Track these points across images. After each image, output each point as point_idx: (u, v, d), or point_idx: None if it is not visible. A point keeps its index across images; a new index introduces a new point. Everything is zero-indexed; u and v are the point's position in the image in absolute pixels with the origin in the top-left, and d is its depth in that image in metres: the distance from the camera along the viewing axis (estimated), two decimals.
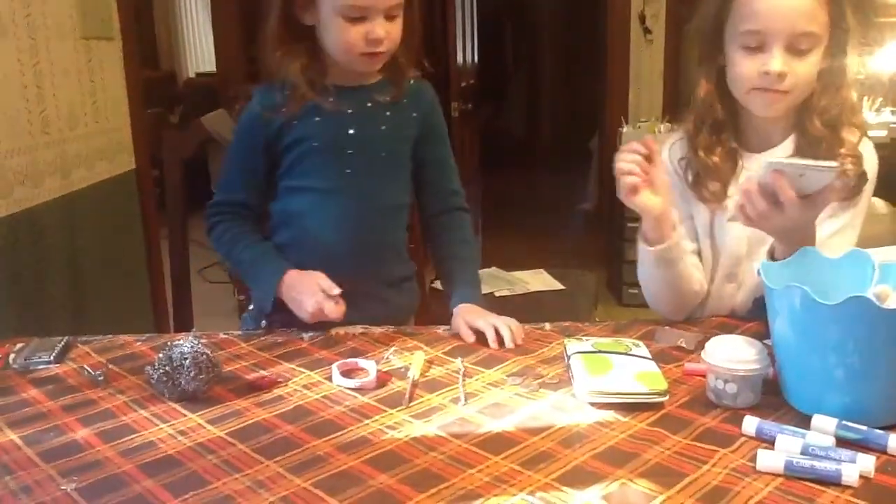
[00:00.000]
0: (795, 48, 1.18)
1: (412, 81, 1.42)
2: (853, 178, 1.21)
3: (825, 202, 1.10)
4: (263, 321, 1.41)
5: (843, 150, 1.21)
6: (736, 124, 1.30)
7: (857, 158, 1.22)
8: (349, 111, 1.36)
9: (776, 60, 1.17)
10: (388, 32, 1.28)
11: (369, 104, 1.38)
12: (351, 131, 1.36)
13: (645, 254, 1.27)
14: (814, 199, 1.07)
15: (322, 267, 1.36)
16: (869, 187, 1.26)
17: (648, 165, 1.19)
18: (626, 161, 1.19)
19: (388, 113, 1.39)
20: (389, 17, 1.28)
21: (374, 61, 1.32)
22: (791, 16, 1.16)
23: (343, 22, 1.27)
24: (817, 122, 1.23)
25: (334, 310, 1.25)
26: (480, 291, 1.44)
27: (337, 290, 1.26)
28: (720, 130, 1.29)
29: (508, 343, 1.21)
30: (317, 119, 1.35)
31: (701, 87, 1.29)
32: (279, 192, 1.42)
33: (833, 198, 1.11)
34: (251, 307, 1.49)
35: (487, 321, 1.25)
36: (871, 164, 1.25)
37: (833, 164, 1.05)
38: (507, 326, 1.24)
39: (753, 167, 1.25)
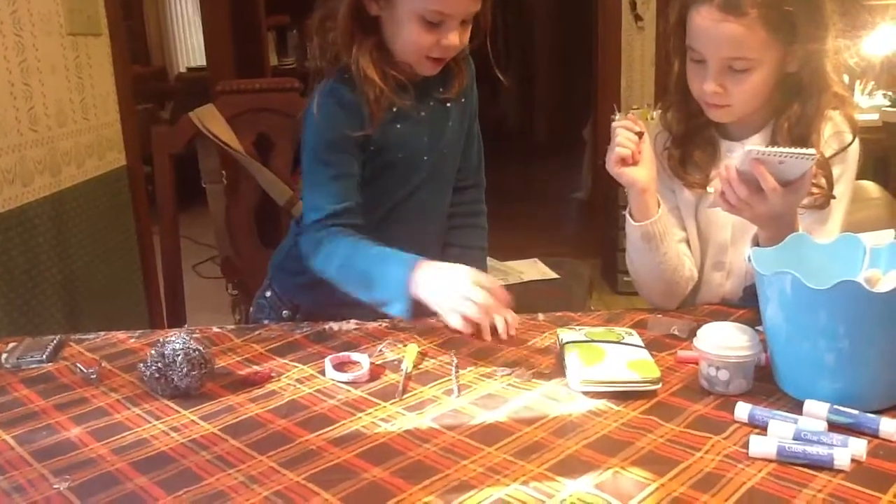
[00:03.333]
0: (730, 67, 1.19)
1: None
2: (815, 198, 1.21)
3: (806, 188, 1.10)
4: (285, 311, 1.39)
5: None
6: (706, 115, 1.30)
7: (825, 178, 1.22)
8: (422, 114, 1.31)
9: (709, 81, 1.20)
10: (461, 40, 1.23)
11: (432, 103, 1.33)
12: (425, 138, 1.31)
13: (632, 231, 1.27)
14: (794, 186, 1.08)
15: None
16: (849, 175, 1.26)
17: (639, 143, 1.21)
18: (623, 136, 1.21)
19: (449, 104, 1.34)
20: (464, 24, 1.23)
21: (437, 66, 1.26)
22: (720, 42, 1.17)
23: (419, 25, 1.20)
24: (786, 127, 1.24)
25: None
26: None
27: (495, 285, 1.10)
28: (697, 120, 1.30)
29: (502, 333, 1.18)
30: (398, 126, 1.28)
31: (675, 81, 1.30)
32: None
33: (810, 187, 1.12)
34: (268, 293, 1.47)
35: None
36: (852, 153, 1.25)
37: (812, 151, 1.05)
38: (503, 317, 1.20)
39: (735, 154, 1.26)
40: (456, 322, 1.08)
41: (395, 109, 1.26)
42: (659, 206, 1.25)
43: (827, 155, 1.23)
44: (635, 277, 1.34)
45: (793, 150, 1.05)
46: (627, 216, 1.27)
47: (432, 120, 1.32)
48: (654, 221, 1.25)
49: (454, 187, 1.43)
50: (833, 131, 1.25)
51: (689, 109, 1.30)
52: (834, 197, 1.23)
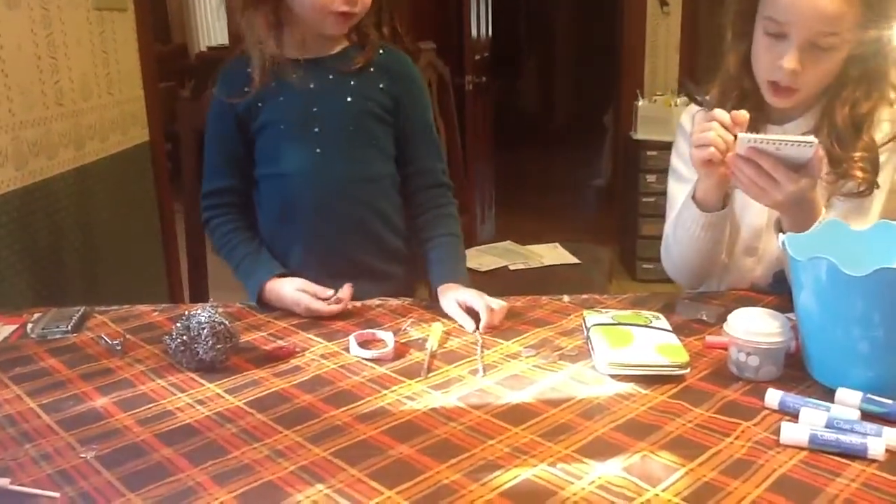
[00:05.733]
0: (816, 44, 1.14)
1: (382, 51, 1.38)
2: (860, 183, 1.18)
3: (817, 171, 1.07)
4: None
5: (857, 155, 1.18)
6: (759, 96, 1.27)
7: (871, 164, 1.19)
8: (311, 86, 1.33)
9: (790, 57, 1.14)
10: None
11: (331, 76, 1.35)
12: (315, 109, 1.34)
13: (694, 218, 1.23)
14: (805, 170, 1.06)
15: (315, 248, 1.36)
16: (893, 166, 1.23)
17: (729, 140, 1.12)
18: (719, 134, 1.10)
19: (352, 82, 1.35)
20: None
21: (345, 22, 1.29)
22: (814, 14, 1.11)
23: None
24: (846, 111, 1.19)
25: (327, 310, 1.23)
26: (465, 267, 1.40)
27: (328, 293, 1.23)
28: (744, 102, 1.26)
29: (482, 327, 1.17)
30: (281, 99, 1.33)
31: (730, 60, 1.26)
32: (258, 180, 1.39)
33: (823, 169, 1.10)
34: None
35: (483, 301, 1.19)
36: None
37: (811, 138, 1.03)
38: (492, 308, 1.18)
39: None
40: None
41: (274, 84, 1.31)
42: (727, 198, 1.21)
43: (880, 142, 1.20)
44: (673, 254, 1.31)
45: (788, 137, 1.04)
46: (691, 201, 1.23)
47: (326, 92, 1.34)
48: (724, 213, 1.21)
49: (419, 187, 1.43)
50: (887, 118, 1.21)
51: (743, 90, 1.26)
52: (878, 186, 1.20)
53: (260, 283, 1.28)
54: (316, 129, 1.34)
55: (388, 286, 1.40)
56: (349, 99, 1.35)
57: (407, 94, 1.41)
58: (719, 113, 1.10)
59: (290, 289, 1.25)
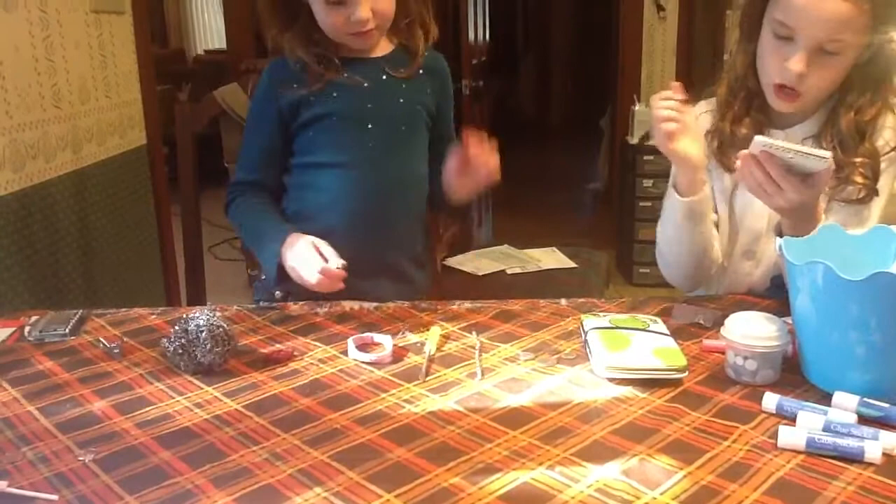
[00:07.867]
0: (823, 49, 1.14)
1: (426, 53, 1.40)
2: (860, 190, 1.19)
3: (822, 185, 1.08)
4: (277, 292, 1.39)
5: (858, 160, 1.19)
6: (765, 97, 1.27)
7: (872, 170, 1.19)
8: (365, 84, 1.35)
9: (797, 59, 1.14)
10: (374, 11, 1.26)
11: (384, 77, 1.37)
12: (370, 105, 1.35)
13: (674, 206, 1.24)
14: (811, 181, 1.06)
15: (346, 240, 1.34)
16: (893, 172, 1.24)
17: (683, 111, 1.16)
18: (664, 107, 1.15)
19: (404, 86, 1.38)
20: None
21: (365, 39, 1.31)
22: (822, 20, 1.11)
23: (324, 5, 1.26)
24: (851, 116, 1.20)
25: (330, 284, 1.21)
26: None
27: (339, 263, 1.21)
28: (751, 104, 1.27)
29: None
30: (335, 94, 1.34)
31: (738, 60, 1.27)
32: (295, 167, 1.41)
33: (830, 182, 1.10)
34: (263, 277, 1.47)
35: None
36: None
37: (827, 154, 1.03)
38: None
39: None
40: (315, 282, 1.21)
41: (327, 79, 1.33)
42: (705, 182, 1.22)
43: (882, 149, 1.20)
44: (665, 253, 1.32)
45: (805, 149, 1.04)
46: (671, 189, 1.24)
47: (379, 91, 1.36)
48: (701, 199, 1.22)
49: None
50: (890, 125, 1.22)
51: (749, 90, 1.26)
52: (878, 193, 1.20)
53: (283, 235, 1.28)
54: (370, 126, 1.35)
55: (408, 289, 1.40)
56: (401, 100, 1.37)
57: (444, 96, 1.45)
58: (661, 94, 1.16)
59: (305, 242, 1.25)
